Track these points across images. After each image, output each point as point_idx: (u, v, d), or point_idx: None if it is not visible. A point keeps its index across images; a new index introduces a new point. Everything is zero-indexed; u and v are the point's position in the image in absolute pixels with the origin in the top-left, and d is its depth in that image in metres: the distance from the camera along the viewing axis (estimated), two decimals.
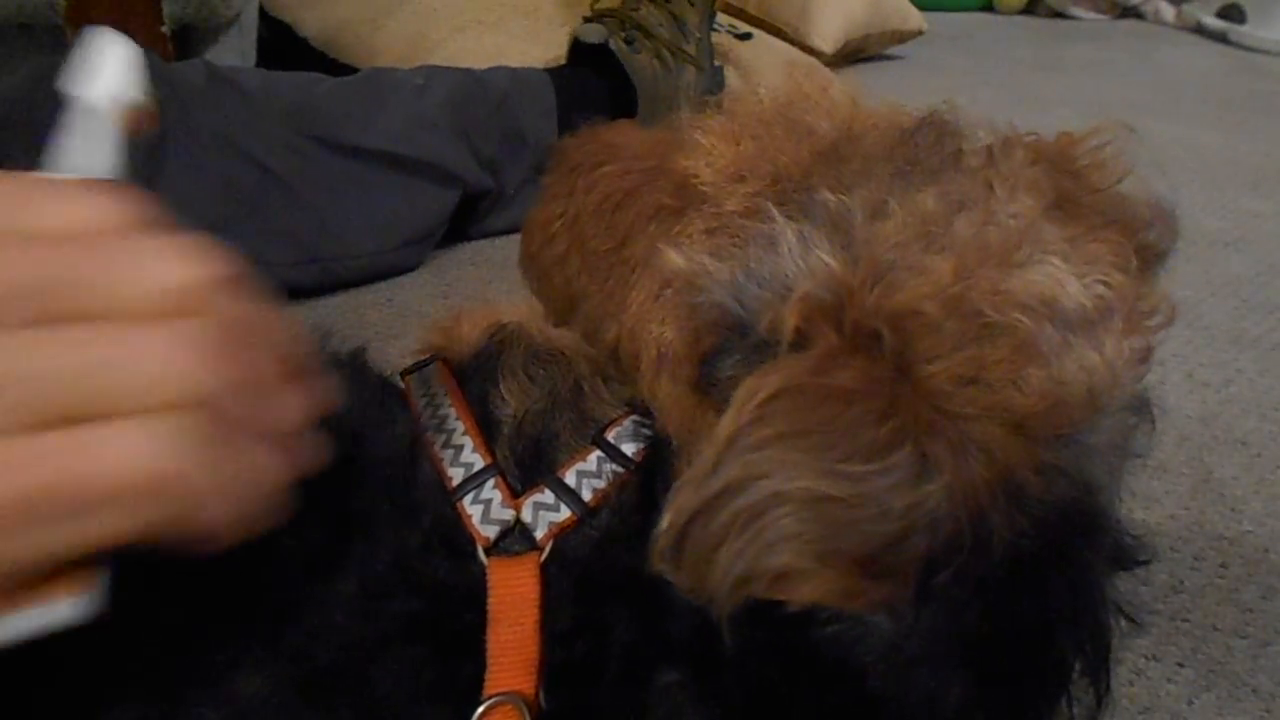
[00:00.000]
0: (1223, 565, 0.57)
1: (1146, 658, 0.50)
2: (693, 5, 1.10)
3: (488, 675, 0.28)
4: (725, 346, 0.29)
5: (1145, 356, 0.27)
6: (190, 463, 0.20)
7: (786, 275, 0.27)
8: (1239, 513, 0.62)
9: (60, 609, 0.20)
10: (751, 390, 0.25)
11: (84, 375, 0.19)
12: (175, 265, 0.21)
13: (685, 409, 0.29)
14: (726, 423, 0.25)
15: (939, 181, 0.29)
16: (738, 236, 0.30)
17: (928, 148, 0.30)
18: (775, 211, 0.29)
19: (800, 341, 0.26)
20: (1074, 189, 0.28)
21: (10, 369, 0.19)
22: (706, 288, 0.29)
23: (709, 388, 0.29)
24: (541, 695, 0.28)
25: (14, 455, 0.18)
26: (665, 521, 0.25)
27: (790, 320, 0.26)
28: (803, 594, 0.24)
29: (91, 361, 0.19)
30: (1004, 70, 1.84)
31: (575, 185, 0.36)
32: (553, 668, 0.29)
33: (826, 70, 1.35)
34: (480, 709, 0.28)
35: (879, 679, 0.26)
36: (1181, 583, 0.55)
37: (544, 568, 0.30)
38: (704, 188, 0.32)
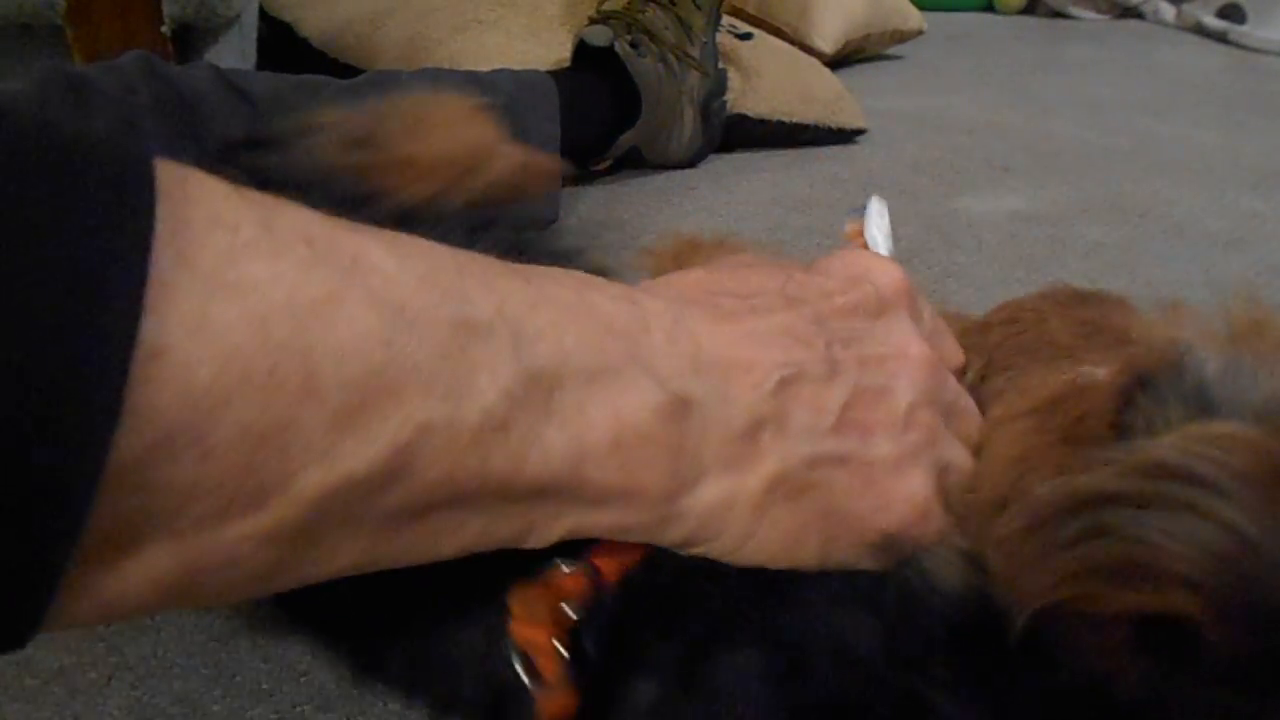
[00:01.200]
0: None
1: None
2: (698, 8, 1.10)
3: (591, 550, 0.29)
4: (1156, 384, 0.28)
5: None
6: None
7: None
8: None
9: None
10: (1204, 428, 0.24)
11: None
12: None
13: (1037, 451, 0.29)
14: (1163, 443, 0.24)
15: None
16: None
17: None
18: None
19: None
20: None
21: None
22: (1187, 348, 0.28)
23: (1115, 423, 0.28)
24: (614, 593, 0.29)
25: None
26: (1035, 500, 0.25)
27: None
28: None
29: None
30: (1004, 70, 1.84)
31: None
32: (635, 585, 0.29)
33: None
34: (558, 563, 0.28)
35: None
36: None
37: None
38: None
